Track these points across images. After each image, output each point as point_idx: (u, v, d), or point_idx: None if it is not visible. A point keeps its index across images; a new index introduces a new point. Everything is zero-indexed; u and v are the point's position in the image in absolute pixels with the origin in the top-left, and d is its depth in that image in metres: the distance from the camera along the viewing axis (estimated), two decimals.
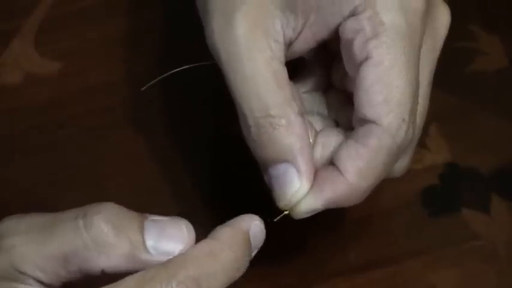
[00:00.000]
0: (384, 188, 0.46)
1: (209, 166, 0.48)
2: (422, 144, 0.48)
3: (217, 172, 0.48)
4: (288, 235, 0.45)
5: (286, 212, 0.36)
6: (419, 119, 0.37)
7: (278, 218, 0.36)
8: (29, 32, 0.52)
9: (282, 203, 0.36)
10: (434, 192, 0.47)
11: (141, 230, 0.34)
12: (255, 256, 0.44)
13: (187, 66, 0.40)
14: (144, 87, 0.42)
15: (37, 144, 0.48)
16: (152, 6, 0.52)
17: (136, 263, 0.33)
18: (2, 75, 0.50)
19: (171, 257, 0.33)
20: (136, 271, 0.33)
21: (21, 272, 0.33)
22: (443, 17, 0.39)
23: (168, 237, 0.34)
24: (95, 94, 0.50)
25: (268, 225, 0.41)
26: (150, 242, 0.33)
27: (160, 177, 0.47)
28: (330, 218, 0.46)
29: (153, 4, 0.52)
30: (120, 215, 0.34)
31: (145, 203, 0.47)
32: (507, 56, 0.51)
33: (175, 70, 0.40)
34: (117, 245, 0.33)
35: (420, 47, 0.36)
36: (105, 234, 0.33)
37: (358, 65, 0.35)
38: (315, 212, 0.36)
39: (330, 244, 0.45)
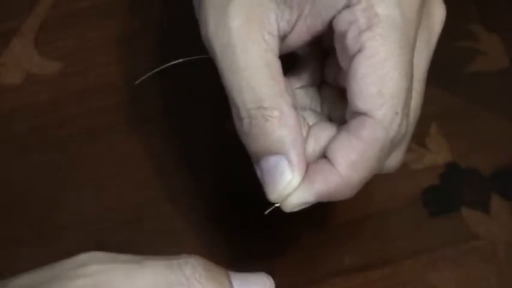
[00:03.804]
0: (384, 187, 0.46)
1: (208, 164, 0.48)
2: (422, 144, 0.48)
3: (215, 170, 0.48)
4: (288, 235, 0.45)
5: (277, 205, 0.36)
6: (413, 114, 0.37)
7: (269, 210, 0.36)
8: (29, 32, 0.52)
9: (273, 196, 0.35)
10: (434, 192, 0.47)
11: (228, 276, 0.35)
12: (255, 256, 0.44)
13: (182, 59, 0.39)
14: (138, 81, 0.42)
15: (37, 144, 0.48)
16: (152, 6, 0.52)
17: None
18: (2, 75, 0.50)
19: None
20: None
21: None
22: (438, 13, 0.38)
23: (251, 283, 0.36)
24: (95, 94, 0.50)
25: (268, 225, 0.41)
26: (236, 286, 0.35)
27: (159, 177, 0.47)
28: (329, 217, 0.46)
29: (153, 4, 0.52)
30: (208, 262, 0.35)
31: (145, 202, 0.47)
32: (507, 56, 0.50)
33: (169, 63, 0.40)
34: (207, 286, 0.34)
35: (415, 40, 0.36)
36: (199, 274, 0.34)
37: (352, 57, 0.35)
38: (307, 205, 0.36)
39: (329, 244, 0.45)
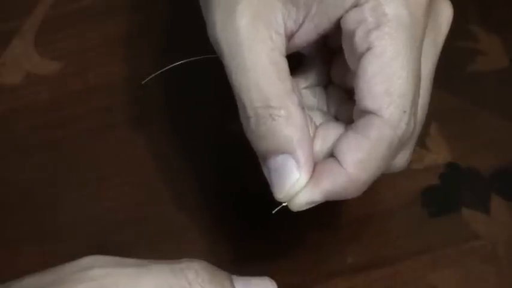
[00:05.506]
0: (384, 187, 0.46)
1: (212, 164, 0.48)
2: (422, 144, 0.48)
3: (218, 170, 0.48)
4: (288, 235, 0.45)
5: (284, 204, 0.36)
6: (421, 113, 0.37)
7: (276, 209, 0.36)
8: (29, 32, 0.52)
9: (280, 195, 0.36)
10: (434, 192, 0.47)
11: (231, 280, 0.36)
12: (257, 256, 0.44)
13: (188, 59, 0.40)
14: (145, 81, 0.42)
15: (37, 144, 0.48)
16: (152, 6, 0.52)
17: None
18: (2, 75, 0.50)
19: None
20: None
21: None
22: (445, 12, 0.39)
23: (254, 286, 0.36)
24: (95, 94, 0.50)
25: (271, 225, 0.41)
26: None
27: (161, 177, 0.47)
28: (330, 217, 0.46)
29: (154, 3, 0.52)
30: (211, 266, 0.35)
31: (146, 202, 0.47)
32: (507, 56, 0.51)
33: (176, 64, 0.40)
34: None
35: (422, 39, 0.36)
36: (201, 279, 0.34)
37: (360, 56, 0.35)
38: (314, 204, 0.36)
39: (330, 244, 0.45)
